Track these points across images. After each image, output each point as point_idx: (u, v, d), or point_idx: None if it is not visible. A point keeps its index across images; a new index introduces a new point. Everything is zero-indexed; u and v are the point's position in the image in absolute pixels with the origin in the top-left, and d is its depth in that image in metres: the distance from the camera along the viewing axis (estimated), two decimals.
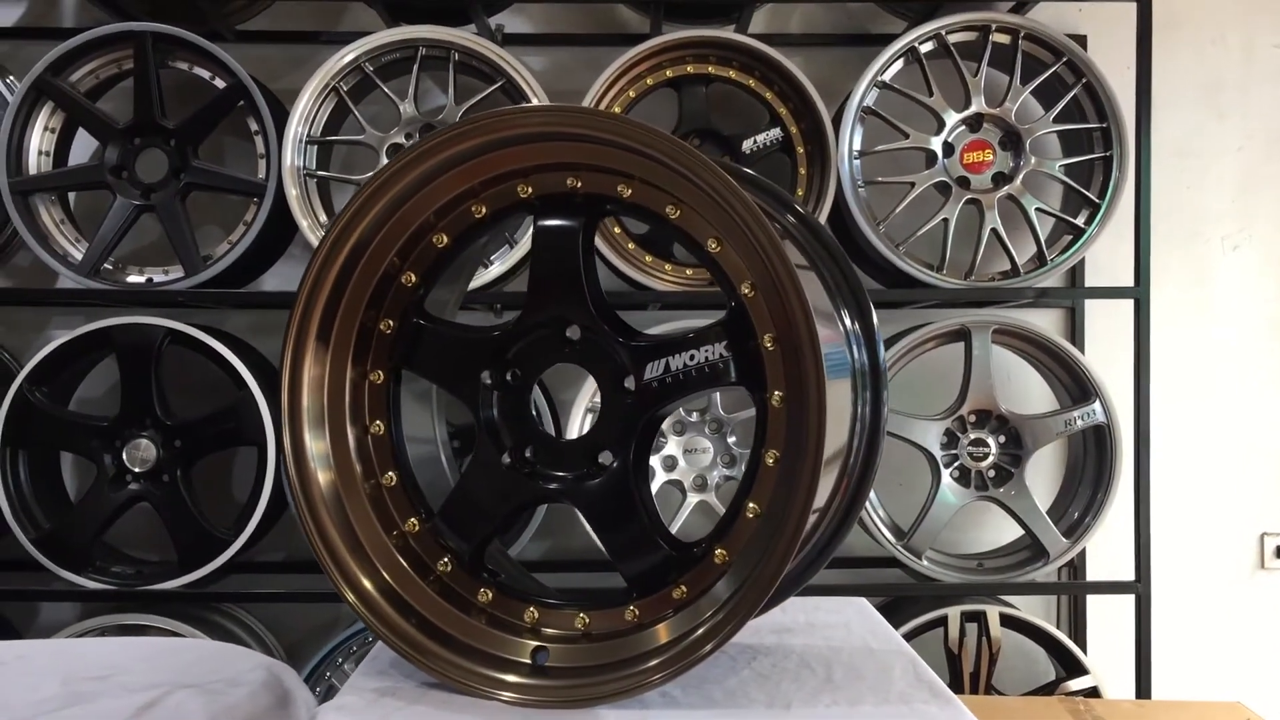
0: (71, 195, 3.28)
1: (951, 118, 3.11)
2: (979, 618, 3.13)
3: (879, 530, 3.08)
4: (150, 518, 3.03)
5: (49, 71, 2.98)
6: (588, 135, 1.31)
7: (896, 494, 3.32)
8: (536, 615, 1.41)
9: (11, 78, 3.22)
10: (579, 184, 1.38)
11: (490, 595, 1.43)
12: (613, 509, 1.37)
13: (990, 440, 3.14)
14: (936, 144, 3.11)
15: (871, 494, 3.10)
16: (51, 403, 3.02)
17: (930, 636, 3.14)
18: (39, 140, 3.08)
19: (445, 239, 1.45)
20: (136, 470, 2.98)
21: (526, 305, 1.41)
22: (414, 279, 1.45)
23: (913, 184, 3.10)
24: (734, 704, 1.31)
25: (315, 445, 1.43)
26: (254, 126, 3.05)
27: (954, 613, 3.12)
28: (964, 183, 3.11)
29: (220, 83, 3.05)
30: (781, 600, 1.54)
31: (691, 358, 1.32)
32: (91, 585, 2.96)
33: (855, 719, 1.28)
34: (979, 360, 3.12)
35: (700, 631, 1.28)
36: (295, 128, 2.98)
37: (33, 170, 3.06)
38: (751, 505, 1.32)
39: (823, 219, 3.02)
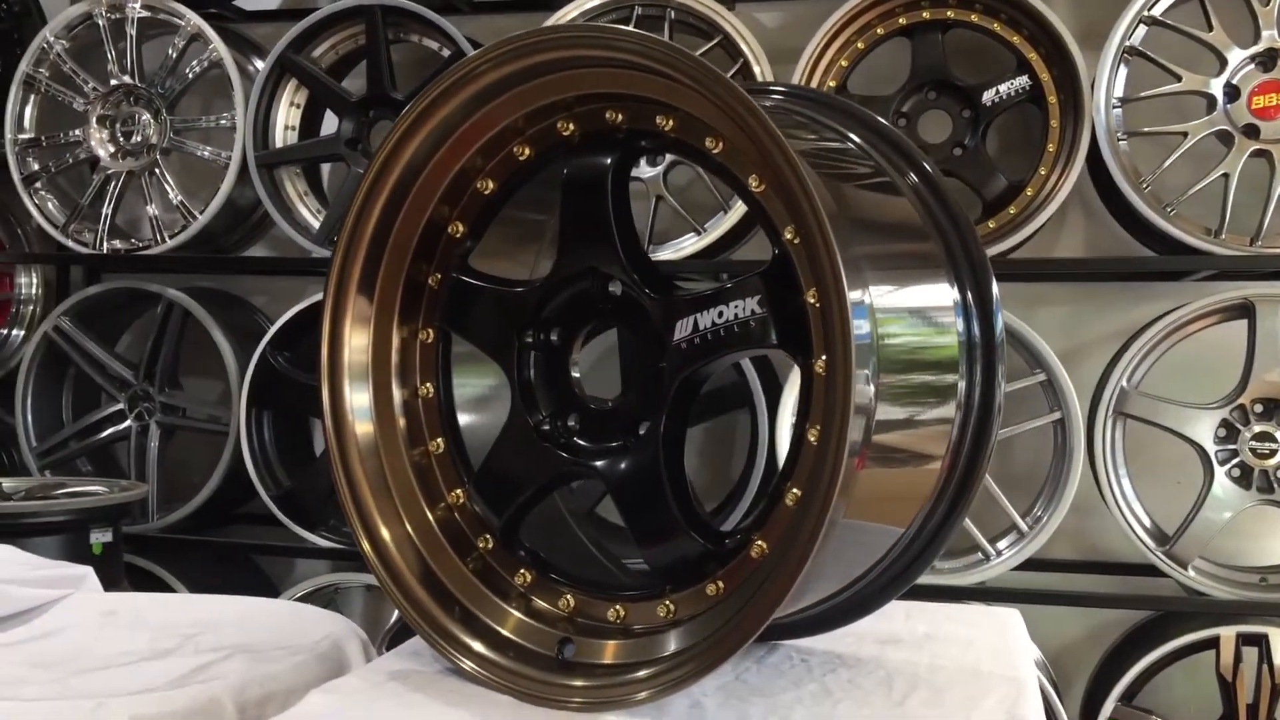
0: (325, 170, 3.42)
1: (1236, 55, 2.65)
2: (1260, 641, 2.66)
3: (1136, 533, 2.69)
4: None
5: (290, 48, 3.10)
6: (586, 58, 1.15)
7: (1174, 493, 2.87)
8: (573, 603, 1.26)
9: None
10: (619, 118, 1.22)
11: (529, 577, 1.29)
12: (639, 488, 1.19)
13: (1279, 434, 2.66)
14: (1216, 87, 2.65)
15: (1129, 490, 2.74)
16: (293, 367, 3.14)
17: (1202, 659, 2.71)
18: (285, 115, 3.21)
19: (491, 184, 1.31)
20: None
21: (558, 257, 1.26)
22: (461, 229, 1.33)
23: (1185, 134, 2.67)
24: None
25: (356, 400, 1.35)
26: None
27: (1228, 634, 2.66)
28: (1251, 131, 2.64)
29: (448, 53, 3.06)
30: (842, 624, 1.31)
31: (720, 315, 1.12)
32: (321, 544, 3.07)
33: None
34: (1266, 340, 2.64)
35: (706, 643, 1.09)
36: None
37: (278, 145, 3.20)
38: (793, 490, 1.11)
39: (1073, 175, 2.67)
